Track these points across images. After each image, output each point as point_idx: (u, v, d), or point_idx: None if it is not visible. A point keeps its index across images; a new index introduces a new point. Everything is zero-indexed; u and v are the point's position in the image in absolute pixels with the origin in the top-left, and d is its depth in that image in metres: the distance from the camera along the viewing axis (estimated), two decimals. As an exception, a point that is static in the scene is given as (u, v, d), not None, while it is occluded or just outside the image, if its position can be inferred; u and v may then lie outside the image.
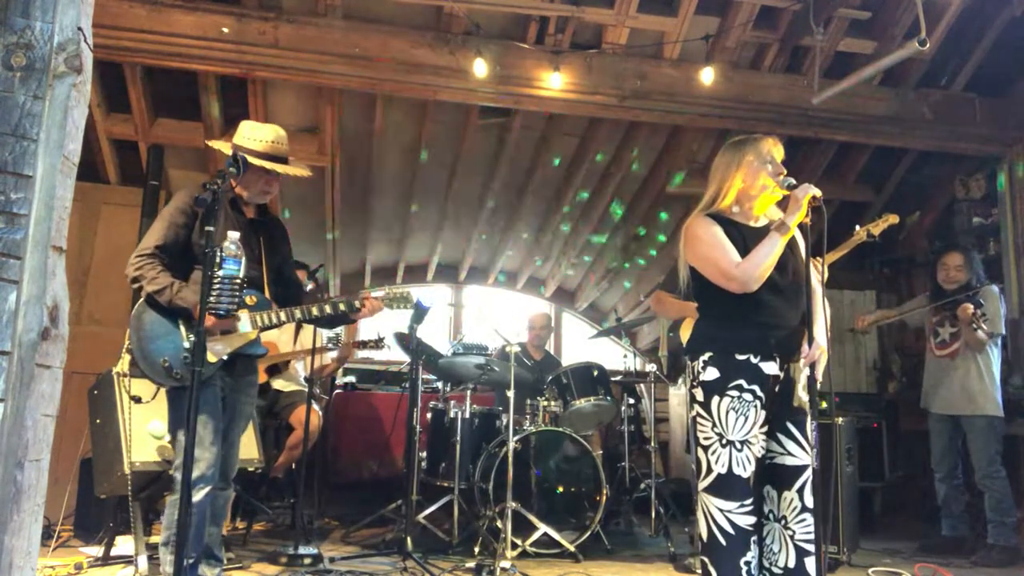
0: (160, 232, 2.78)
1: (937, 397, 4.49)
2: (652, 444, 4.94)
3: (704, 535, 2.39)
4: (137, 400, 3.06)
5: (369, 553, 3.99)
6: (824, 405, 2.88)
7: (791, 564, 2.35)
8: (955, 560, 4.20)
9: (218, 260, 2.51)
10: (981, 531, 4.36)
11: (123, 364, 3.04)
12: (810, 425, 2.38)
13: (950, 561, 4.15)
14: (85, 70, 1.58)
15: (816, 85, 4.64)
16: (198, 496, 2.69)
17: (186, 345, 2.71)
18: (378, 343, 4.47)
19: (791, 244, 2.52)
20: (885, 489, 5.65)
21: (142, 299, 2.77)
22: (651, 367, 5.21)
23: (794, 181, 2.46)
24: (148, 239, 2.79)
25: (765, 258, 2.38)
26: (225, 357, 2.77)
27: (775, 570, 2.39)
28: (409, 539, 3.74)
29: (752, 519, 2.36)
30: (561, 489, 4.29)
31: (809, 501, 2.38)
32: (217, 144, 3.07)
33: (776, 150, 2.52)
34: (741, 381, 2.38)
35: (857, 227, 3.72)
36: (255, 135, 2.93)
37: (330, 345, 4.74)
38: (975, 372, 4.33)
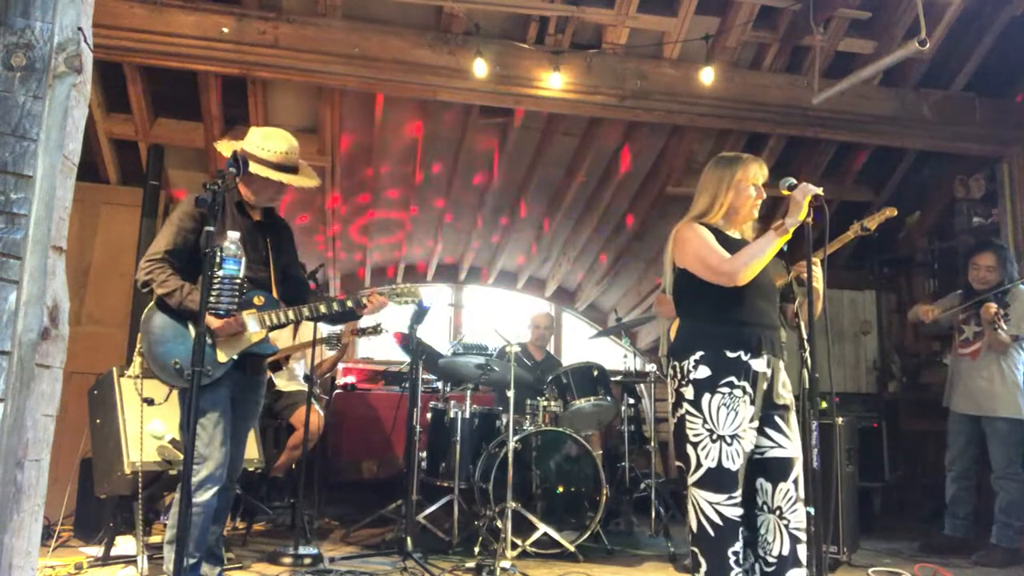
0: (168, 237, 2.79)
1: (958, 396, 4.44)
2: (652, 444, 4.94)
3: (694, 527, 2.48)
4: (150, 402, 3.06)
5: (369, 553, 3.99)
6: (824, 405, 2.90)
7: (785, 552, 2.44)
8: (955, 560, 4.19)
9: (218, 260, 2.53)
10: (982, 533, 4.34)
11: (135, 367, 3.04)
12: (799, 424, 2.47)
13: (950, 561, 4.15)
14: (85, 70, 1.58)
15: (816, 85, 4.65)
16: (205, 496, 2.69)
17: None
18: (376, 329, 4.45)
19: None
20: (885, 489, 5.64)
21: (152, 303, 2.79)
22: (651, 367, 5.21)
23: (794, 181, 2.48)
24: (157, 244, 2.81)
25: (756, 255, 2.46)
26: (235, 357, 2.80)
27: (769, 559, 2.47)
28: (409, 539, 3.74)
29: (740, 511, 2.45)
30: (561, 489, 4.29)
31: (802, 492, 2.47)
32: (224, 147, 3.02)
33: (760, 173, 2.64)
34: (732, 378, 2.47)
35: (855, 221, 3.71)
36: (267, 145, 2.89)
37: (332, 342, 4.73)
38: (997, 374, 4.26)
